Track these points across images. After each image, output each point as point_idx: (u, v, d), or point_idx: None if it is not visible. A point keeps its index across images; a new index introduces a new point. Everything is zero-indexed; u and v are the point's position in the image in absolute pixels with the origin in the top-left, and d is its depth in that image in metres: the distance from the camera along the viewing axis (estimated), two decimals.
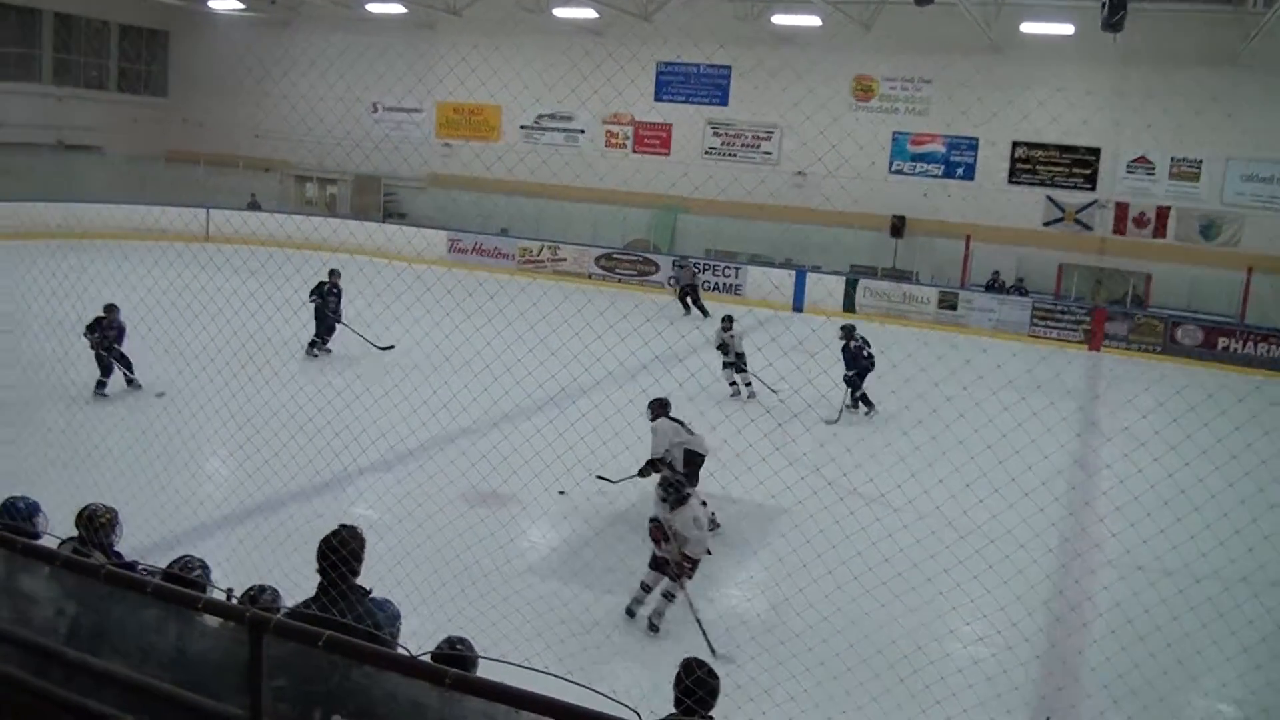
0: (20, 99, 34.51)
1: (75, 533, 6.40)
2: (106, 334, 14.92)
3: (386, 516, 10.33)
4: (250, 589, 5.55)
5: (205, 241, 30.70)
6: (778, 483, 10.59)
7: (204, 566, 5.94)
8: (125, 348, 15.16)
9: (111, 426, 12.44)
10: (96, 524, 6.42)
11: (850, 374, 15.84)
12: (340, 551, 5.25)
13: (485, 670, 4.09)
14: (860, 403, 15.89)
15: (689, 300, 26.17)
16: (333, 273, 18.69)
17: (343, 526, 5.46)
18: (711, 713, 5.05)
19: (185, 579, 5.42)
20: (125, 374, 15.21)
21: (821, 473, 11.98)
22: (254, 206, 34.31)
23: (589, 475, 11.08)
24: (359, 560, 5.38)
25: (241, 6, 35.64)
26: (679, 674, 5.09)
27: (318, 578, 5.34)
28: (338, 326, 18.57)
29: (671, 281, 28.02)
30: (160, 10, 37.63)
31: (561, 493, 11.64)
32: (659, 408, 11.34)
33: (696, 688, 4.98)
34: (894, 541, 8.98)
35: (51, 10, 36.42)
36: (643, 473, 11.14)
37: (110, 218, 28.94)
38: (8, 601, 4.28)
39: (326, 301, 18.44)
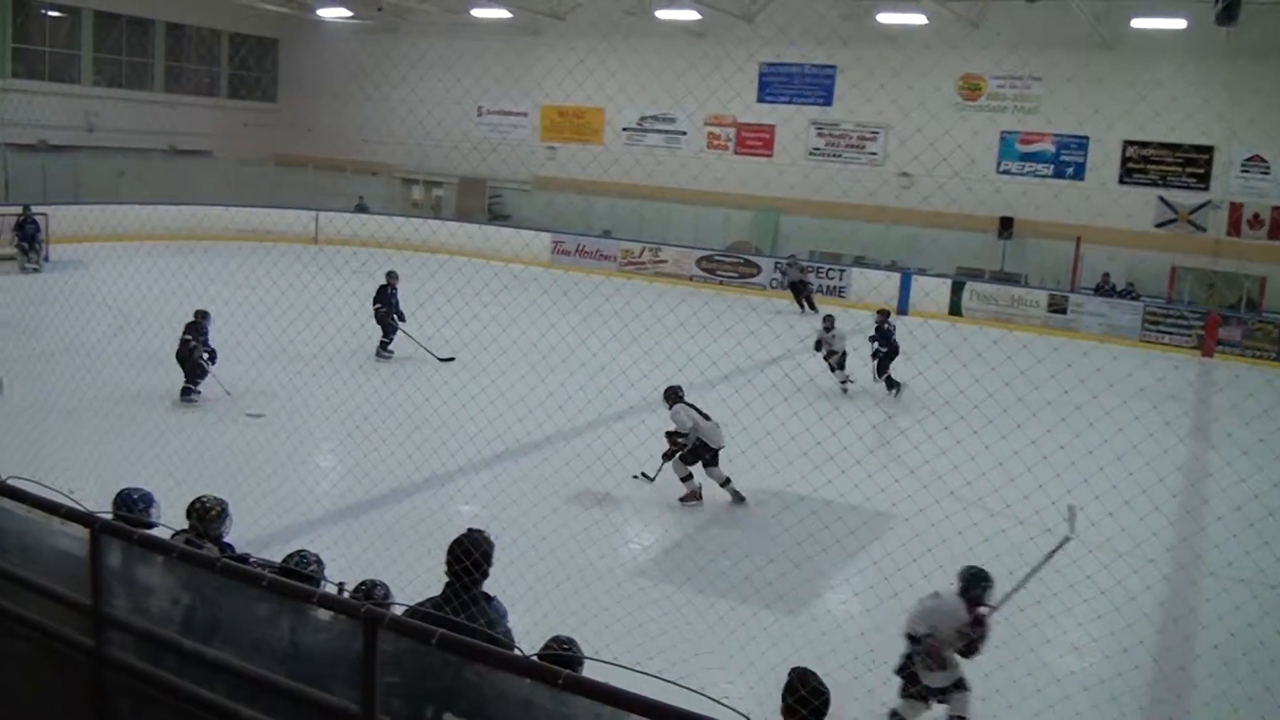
0: (134, 106, 35.62)
1: (186, 525, 6.60)
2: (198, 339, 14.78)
3: (491, 512, 10.43)
4: (362, 584, 5.66)
5: (314, 243, 31.34)
6: (874, 485, 10.51)
7: (318, 561, 6.06)
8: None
9: (228, 423, 12.79)
10: (208, 516, 6.62)
11: (882, 351, 17.08)
12: (473, 554, 5.30)
13: (591, 671, 4.14)
14: (887, 383, 16.90)
15: (803, 300, 26.19)
16: (390, 274, 18.57)
17: (475, 531, 5.49)
18: None
19: (300, 573, 5.54)
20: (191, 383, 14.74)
21: (918, 475, 11.87)
22: (361, 209, 34.93)
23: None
24: (488, 565, 5.43)
25: (349, 14, 36.29)
26: (791, 683, 5.02)
27: (425, 573, 5.43)
28: (398, 329, 18.39)
29: (775, 280, 28.03)
30: (270, 19, 38.53)
31: (638, 476, 11.75)
32: (673, 395, 11.74)
33: (812, 698, 4.91)
34: (990, 547, 8.83)
35: (163, 20, 37.56)
36: (668, 454, 11.66)
37: (218, 220, 29.67)
38: (124, 591, 4.43)
39: (390, 304, 18.44)
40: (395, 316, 18.37)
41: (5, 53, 33.09)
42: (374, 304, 18.40)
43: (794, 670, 5.12)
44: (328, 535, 10.22)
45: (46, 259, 25.16)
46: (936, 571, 8.35)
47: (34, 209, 26.09)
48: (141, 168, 33.20)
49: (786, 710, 4.99)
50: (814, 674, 5.07)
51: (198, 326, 14.72)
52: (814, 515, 10.72)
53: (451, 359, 17.23)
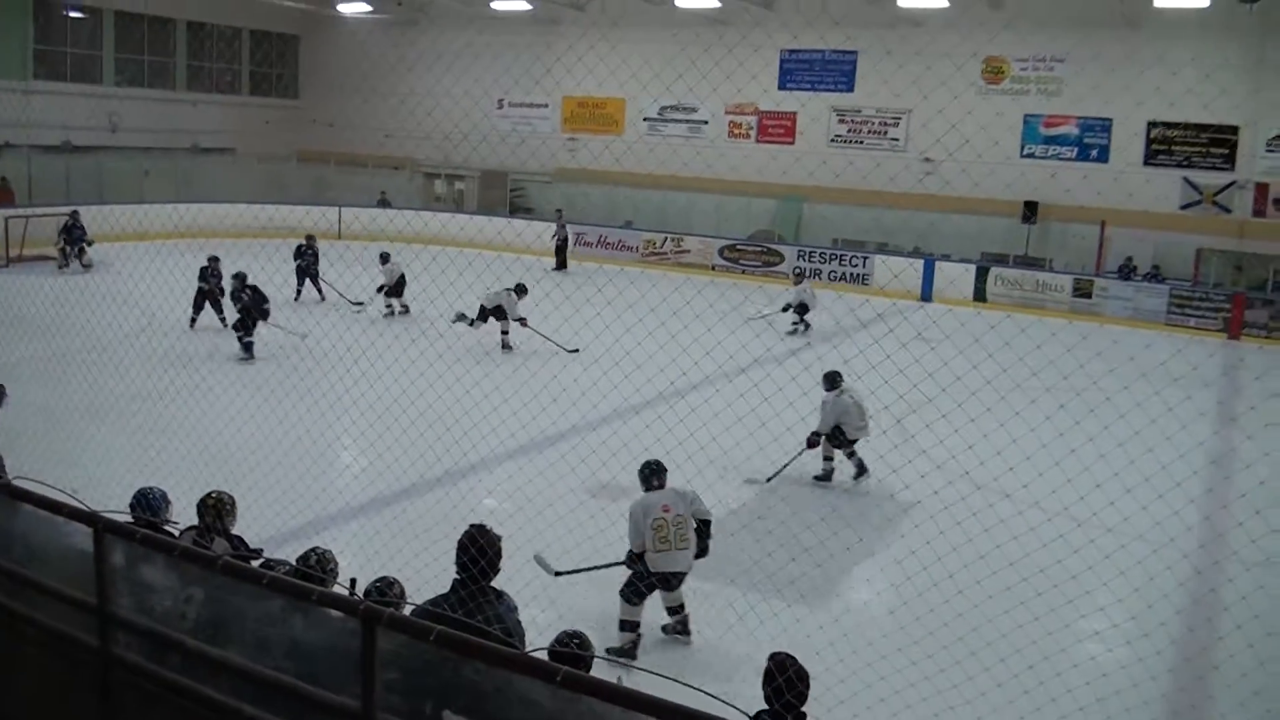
0: (156, 105, 35.91)
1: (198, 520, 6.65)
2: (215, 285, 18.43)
3: (515, 504, 10.42)
4: (377, 581, 5.66)
5: (337, 239, 31.41)
6: (910, 473, 10.44)
7: (333, 560, 6.07)
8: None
9: (246, 418, 12.80)
10: (220, 510, 6.69)
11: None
12: (485, 551, 5.33)
13: (600, 669, 4.09)
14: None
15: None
16: (310, 237, 22.92)
17: (479, 527, 5.51)
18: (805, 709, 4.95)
19: (315, 574, 5.55)
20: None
21: (948, 466, 11.78)
22: (384, 204, 35.03)
23: (723, 471, 11.04)
24: (498, 560, 5.44)
25: (369, 9, 36.36)
26: (769, 670, 4.95)
27: (444, 567, 5.42)
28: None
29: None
30: (291, 15, 38.64)
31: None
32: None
33: (791, 685, 4.88)
34: (1020, 542, 8.76)
35: (184, 19, 37.80)
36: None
37: (240, 218, 29.81)
38: (129, 589, 4.43)
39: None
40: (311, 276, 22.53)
41: (27, 54, 33.31)
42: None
43: (775, 656, 5.04)
44: (348, 530, 10.26)
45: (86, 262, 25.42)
46: (961, 570, 8.29)
47: (62, 208, 26.40)
48: (165, 166, 33.43)
49: (767, 698, 4.93)
50: (794, 659, 5.01)
51: (211, 271, 17.88)
52: (836, 513, 10.68)
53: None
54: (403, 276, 21.05)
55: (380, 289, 21.12)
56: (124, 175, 32.26)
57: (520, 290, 18.54)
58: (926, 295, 27.12)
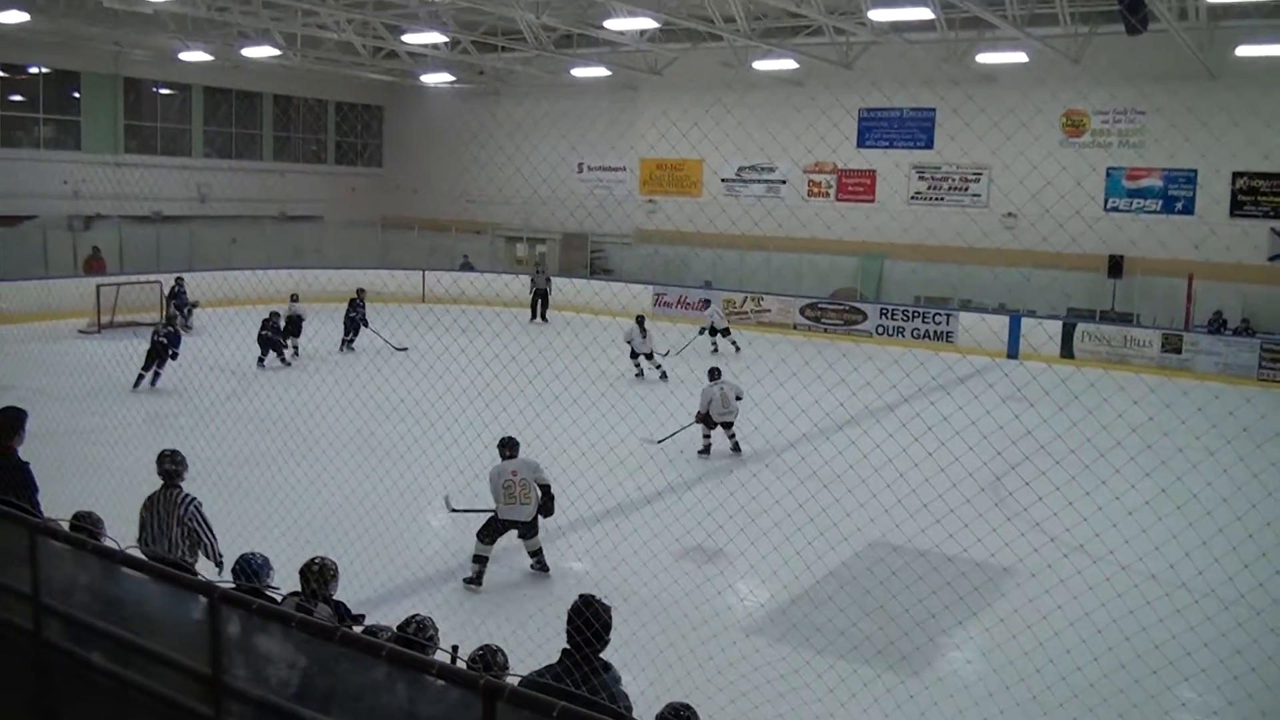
0: (244, 175, 36.82)
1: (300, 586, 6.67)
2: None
3: (601, 570, 10.36)
4: (480, 650, 5.62)
5: (421, 302, 31.84)
6: (997, 539, 10.22)
7: (434, 628, 6.05)
8: None
9: (341, 480, 12.92)
10: (324, 577, 6.73)
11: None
12: (594, 625, 5.28)
13: None
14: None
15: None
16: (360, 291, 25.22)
17: (588, 597, 5.46)
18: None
19: (418, 641, 5.53)
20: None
21: (1043, 528, 11.51)
22: (467, 267, 35.42)
23: (821, 531, 10.90)
24: (608, 634, 5.38)
25: (452, 79, 37.00)
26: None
27: (536, 633, 5.38)
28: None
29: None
30: (375, 87, 39.54)
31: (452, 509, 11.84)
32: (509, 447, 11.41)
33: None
34: (1122, 603, 8.53)
35: (271, 93, 38.83)
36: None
37: (328, 283, 30.29)
38: (243, 659, 4.44)
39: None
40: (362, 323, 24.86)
41: (118, 130, 34.39)
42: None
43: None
44: (438, 595, 10.25)
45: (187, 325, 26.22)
46: (1066, 628, 8.08)
47: (155, 276, 27.18)
48: (253, 234, 34.25)
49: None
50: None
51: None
52: (935, 571, 10.47)
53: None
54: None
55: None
56: (212, 243, 33.12)
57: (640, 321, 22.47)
58: (1013, 352, 26.74)
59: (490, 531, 10.76)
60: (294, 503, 11.98)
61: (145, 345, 19.70)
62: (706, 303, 27.74)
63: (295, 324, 23.88)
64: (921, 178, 31.43)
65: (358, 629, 5.60)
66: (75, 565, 5.41)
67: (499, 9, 24.98)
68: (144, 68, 34.26)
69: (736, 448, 16.22)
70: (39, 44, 30.28)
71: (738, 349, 25.08)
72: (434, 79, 36.70)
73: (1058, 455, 9.73)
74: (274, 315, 23.29)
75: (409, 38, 30.22)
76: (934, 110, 30.51)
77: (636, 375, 22.45)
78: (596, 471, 11.85)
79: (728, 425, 16.12)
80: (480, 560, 10.72)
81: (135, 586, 4.96)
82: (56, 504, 7.46)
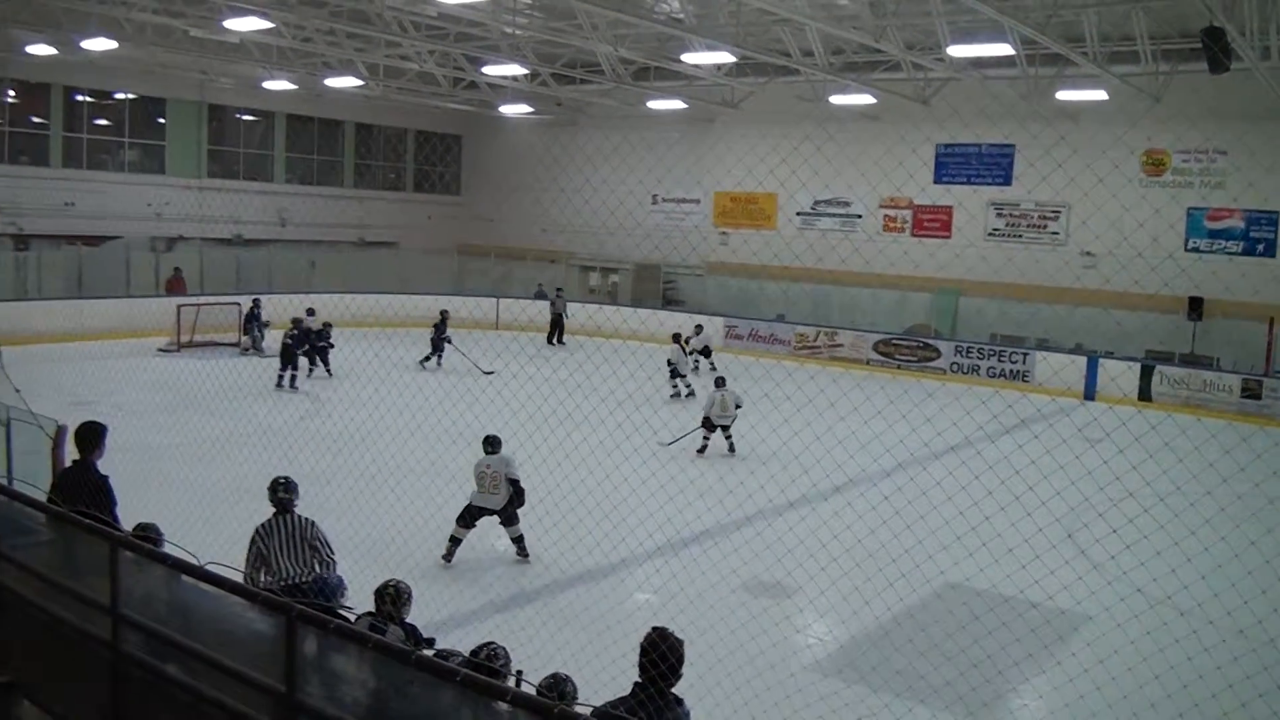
0: (324, 201, 37.46)
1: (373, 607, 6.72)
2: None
3: (663, 599, 10.31)
4: (550, 678, 5.60)
5: (494, 329, 32.11)
6: (1082, 588, 10.01)
7: (506, 655, 6.03)
8: None
9: (409, 503, 12.99)
10: (399, 600, 6.79)
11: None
12: (669, 659, 5.23)
13: None
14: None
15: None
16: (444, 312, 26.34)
17: (661, 631, 5.39)
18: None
19: (490, 667, 5.52)
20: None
21: (1129, 577, 11.21)
22: (540, 296, 35.62)
23: (880, 568, 10.77)
24: (679, 666, 5.32)
25: (530, 110, 37.37)
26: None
27: (595, 659, 5.34)
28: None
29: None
30: (454, 116, 40.05)
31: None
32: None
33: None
34: (1210, 657, 8.31)
35: (353, 122, 39.48)
36: None
37: (402, 308, 30.63)
38: (317, 678, 4.45)
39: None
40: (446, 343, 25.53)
41: (202, 155, 35.14)
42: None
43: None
44: (503, 620, 10.24)
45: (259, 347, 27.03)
46: (1124, 673, 7.91)
47: (234, 297, 27.76)
48: (331, 258, 34.81)
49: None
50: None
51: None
52: (993, 611, 10.29)
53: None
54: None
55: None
56: (292, 267, 33.70)
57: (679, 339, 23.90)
58: (1089, 394, 26.34)
59: (466, 516, 12.11)
60: (363, 524, 12.06)
61: (219, 362, 20.01)
62: (698, 328, 28.54)
63: (308, 337, 24.09)
64: (999, 214, 31.13)
65: (428, 652, 5.61)
66: (154, 578, 5.48)
67: (578, 42, 25.19)
68: (228, 95, 34.99)
69: (732, 448, 18.17)
70: (126, 71, 31.10)
71: (714, 368, 25.97)
72: (512, 109, 37.10)
73: (1128, 499, 9.57)
74: (296, 322, 23.94)
75: (489, 69, 30.60)
76: (1013, 146, 30.23)
77: (672, 395, 23.26)
78: (657, 500, 11.81)
79: (725, 428, 18.10)
80: (454, 541, 12.09)
81: (210, 601, 5.01)
82: (132, 518, 7.56)
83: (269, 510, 8.48)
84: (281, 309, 25.38)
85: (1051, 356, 27.43)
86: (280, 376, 22.61)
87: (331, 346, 24.33)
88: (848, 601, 10.18)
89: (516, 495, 12.10)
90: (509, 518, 12.15)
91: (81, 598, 5.86)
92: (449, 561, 12.02)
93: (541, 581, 11.34)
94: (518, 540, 12.24)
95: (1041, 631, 10.13)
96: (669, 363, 23.75)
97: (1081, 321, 28.42)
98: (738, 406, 18.10)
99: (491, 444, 12.36)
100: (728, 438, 18.22)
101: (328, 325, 24.47)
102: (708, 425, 18.08)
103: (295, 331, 23.56)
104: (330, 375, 24.16)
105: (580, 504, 11.30)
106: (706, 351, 28.00)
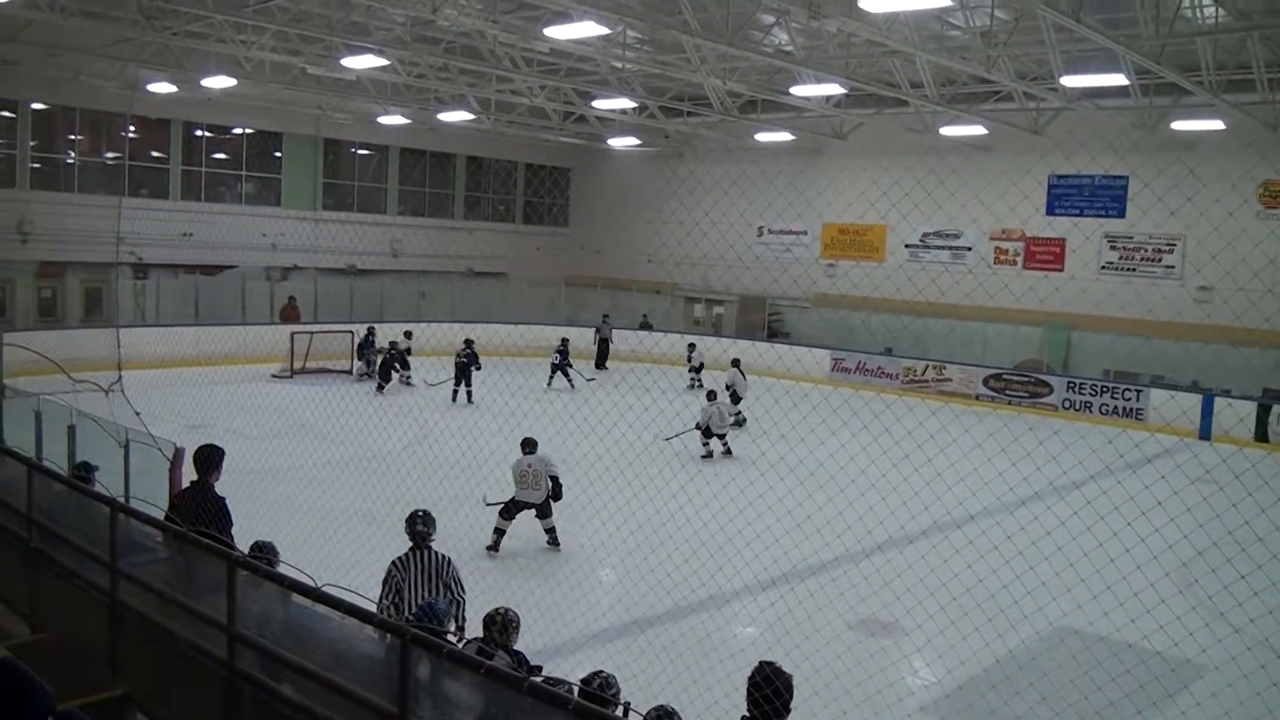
0: (435, 233, 38.21)
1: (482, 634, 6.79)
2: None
3: (774, 635, 10.24)
4: (656, 711, 5.61)
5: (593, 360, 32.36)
6: (1207, 635, 9.70)
7: (617, 685, 6.05)
8: None
9: (515, 530, 13.12)
10: (509, 628, 6.87)
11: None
12: (783, 695, 5.23)
13: None
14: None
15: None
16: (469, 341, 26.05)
17: (774, 668, 5.37)
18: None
19: (602, 696, 5.54)
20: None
21: (1256, 625, 10.80)
22: (645, 326, 35.78)
23: (992, 615, 10.58)
24: (790, 701, 5.30)
25: (638, 143, 37.65)
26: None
27: (704, 693, 5.33)
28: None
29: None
30: (563, 149, 40.59)
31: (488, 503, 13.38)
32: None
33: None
34: None
35: (464, 155, 40.23)
36: None
37: (507, 337, 30.96)
38: (429, 702, 4.51)
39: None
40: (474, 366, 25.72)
41: (317, 188, 36.04)
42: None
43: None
44: (608, 650, 10.25)
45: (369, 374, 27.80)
46: None
47: (346, 326, 28.57)
48: (441, 288, 35.39)
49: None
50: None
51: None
52: (1115, 657, 10.04)
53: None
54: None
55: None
56: (403, 296, 34.37)
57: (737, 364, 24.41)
58: (1205, 433, 25.63)
59: (509, 510, 13.46)
60: (468, 549, 12.21)
61: (331, 388, 20.38)
62: (691, 347, 31.08)
63: (401, 357, 27.23)
64: (1113, 247, 30.50)
65: (535, 680, 5.65)
66: (268, 597, 5.61)
67: (686, 75, 25.35)
68: (344, 129, 35.84)
69: (728, 451, 20.44)
70: (244, 107, 32.11)
71: (701, 385, 27.75)
72: (620, 142, 37.41)
73: (1247, 543, 9.29)
74: (393, 344, 27.15)
75: (598, 103, 30.97)
76: (1126, 178, 29.58)
77: (735, 424, 23.08)
78: (773, 533, 11.75)
79: (722, 436, 20.39)
80: (499, 533, 13.41)
81: (323, 622, 5.11)
82: (246, 538, 7.75)
83: (380, 534, 8.65)
84: (393, 337, 26.20)
85: (1165, 394, 26.73)
86: (380, 386, 26.39)
87: (478, 368, 25.78)
88: (966, 642, 9.92)
89: (556, 491, 13.52)
90: (545, 511, 13.55)
91: (198, 615, 6.02)
92: (495, 551, 13.16)
93: (651, 613, 11.33)
94: (550, 531, 13.60)
95: (1165, 680, 9.85)
96: (727, 387, 23.92)
97: (1197, 358, 27.67)
98: (731, 416, 21.01)
99: (530, 445, 13.72)
100: (725, 443, 20.43)
101: (471, 344, 26.13)
102: (707, 434, 20.18)
103: (393, 352, 26.81)
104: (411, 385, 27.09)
105: (695, 534, 11.30)
106: (699, 369, 30.23)
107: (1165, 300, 27.41)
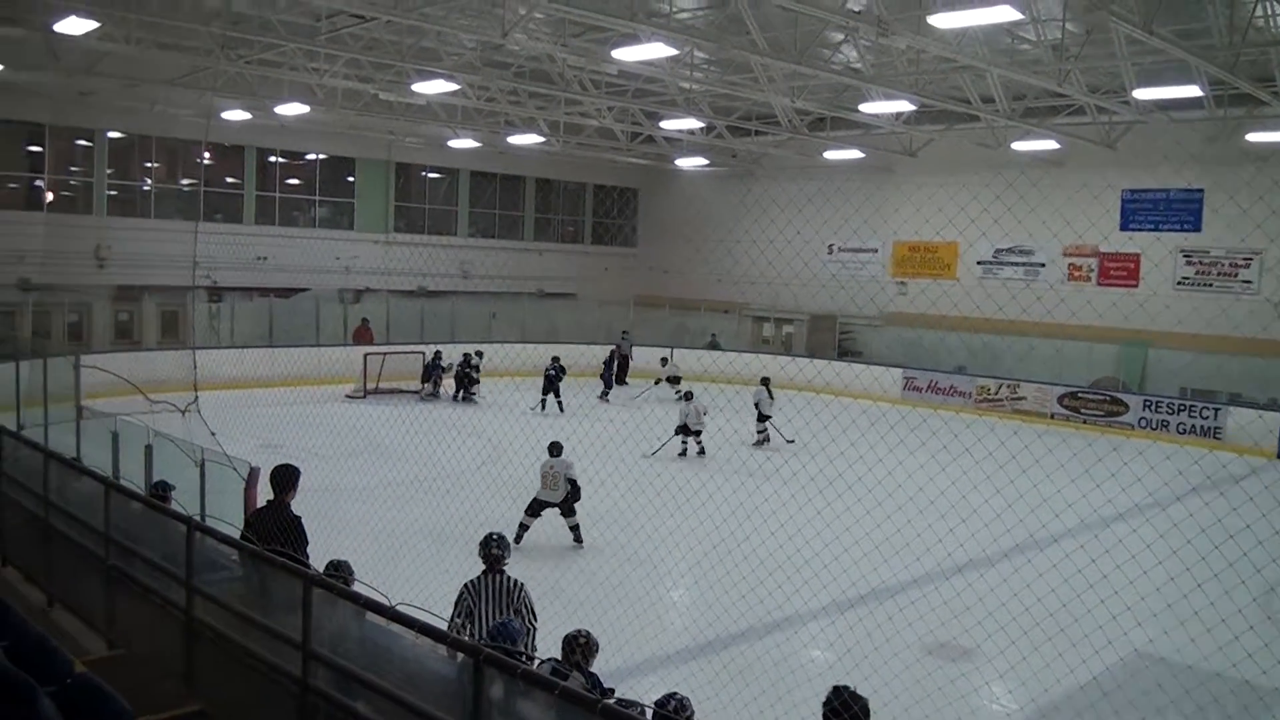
0: (505, 254, 38.57)
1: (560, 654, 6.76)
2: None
3: (851, 661, 10.06)
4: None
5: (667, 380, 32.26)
6: (1269, 656, 9.42)
7: (692, 707, 5.99)
8: None
9: (593, 552, 13.09)
10: (586, 650, 6.80)
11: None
12: None
13: None
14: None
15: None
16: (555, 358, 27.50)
17: (851, 693, 5.35)
18: None
19: (677, 719, 5.49)
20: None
21: None
22: (714, 346, 35.72)
23: (1074, 641, 10.37)
24: None
25: (706, 163, 37.67)
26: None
27: (778, 718, 5.24)
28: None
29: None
30: (631, 170, 40.79)
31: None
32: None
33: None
34: None
35: (534, 177, 40.60)
36: None
37: (581, 357, 31.08)
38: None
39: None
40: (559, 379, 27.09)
41: (389, 211, 36.50)
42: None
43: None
44: (680, 672, 10.14)
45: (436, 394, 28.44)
46: None
47: (418, 347, 28.96)
48: (511, 309, 35.62)
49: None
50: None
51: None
52: (1202, 686, 9.75)
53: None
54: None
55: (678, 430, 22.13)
56: (473, 317, 34.64)
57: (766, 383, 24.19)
58: None
59: (532, 508, 14.50)
60: (538, 569, 12.18)
61: (403, 408, 20.53)
62: (664, 360, 32.14)
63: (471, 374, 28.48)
64: (1189, 262, 29.94)
65: (608, 702, 5.60)
66: (343, 616, 5.61)
67: (754, 94, 25.31)
68: (415, 154, 36.32)
69: (702, 451, 21.53)
70: (317, 133, 32.66)
71: (679, 393, 26.60)
72: (688, 162, 37.42)
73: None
74: (466, 357, 28.45)
75: (666, 124, 31.00)
76: (1202, 191, 29.00)
77: (758, 442, 23.45)
78: (851, 556, 11.59)
79: (697, 434, 21.47)
80: (523, 527, 14.39)
81: (397, 640, 5.10)
82: (321, 557, 7.78)
83: (451, 553, 8.63)
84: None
85: (1246, 413, 26.12)
86: (455, 394, 28.16)
87: (563, 375, 27.28)
88: (1049, 669, 9.62)
89: (574, 492, 14.39)
90: (567, 510, 14.49)
91: (273, 632, 6.04)
92: (518, 544, 13.44)
93: (723, 635, 11.21)
94: (574, 529, 14.54)
95: (1254, 710, 9.56)
96: (755, 405, 23.82)
97: (1275, 374, 27.04)
98: (704, 414, 21.43)
99: (555, 449, 14.66)
100: (699, 442, 21.51)
101: (558, 360, 27.52)
102: (683, 431, 21.37)
103: (465, 367, 28.21)
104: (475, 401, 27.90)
105: (770, 556, 11.20)
106: (675, 380, 30.25)
107: (1244, 315, 26.85)
